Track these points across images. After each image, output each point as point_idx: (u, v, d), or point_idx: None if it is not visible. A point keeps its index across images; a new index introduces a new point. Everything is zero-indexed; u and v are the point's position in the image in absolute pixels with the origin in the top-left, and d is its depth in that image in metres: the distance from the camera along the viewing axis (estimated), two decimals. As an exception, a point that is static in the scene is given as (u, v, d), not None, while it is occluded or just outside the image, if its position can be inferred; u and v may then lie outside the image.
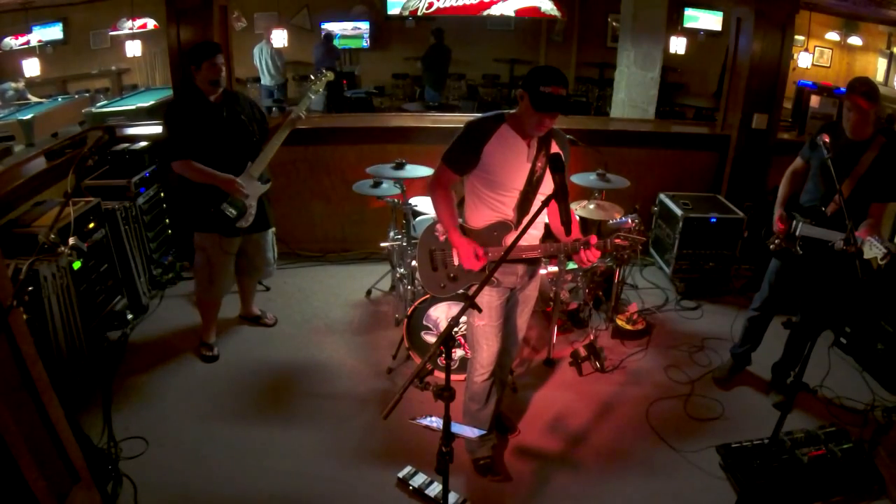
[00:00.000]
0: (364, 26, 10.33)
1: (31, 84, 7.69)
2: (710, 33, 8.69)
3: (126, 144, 4.22)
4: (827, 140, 2.74)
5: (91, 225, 3.51)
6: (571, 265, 3.72)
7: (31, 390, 2.08)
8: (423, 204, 3.94)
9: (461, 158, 2.37)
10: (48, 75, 8.13)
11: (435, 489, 2.62)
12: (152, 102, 7.31)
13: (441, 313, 3.33)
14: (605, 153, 3.92)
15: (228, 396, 3.29)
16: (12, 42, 7.77)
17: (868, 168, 2.76)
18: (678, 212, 4.31)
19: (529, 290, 2.65)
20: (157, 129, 4.53)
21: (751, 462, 2.70)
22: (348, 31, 10.32)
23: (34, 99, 7.43)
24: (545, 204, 2.03)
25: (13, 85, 7.42)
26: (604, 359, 3.57)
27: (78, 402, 3.11)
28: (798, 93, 7.82)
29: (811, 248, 2.95)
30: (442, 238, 2.52)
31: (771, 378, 3.43)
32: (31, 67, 6.82)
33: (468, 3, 8.01)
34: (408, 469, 2.75)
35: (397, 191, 3.69)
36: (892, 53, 8.10)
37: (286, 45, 8.17)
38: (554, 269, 3.57)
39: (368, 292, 4.34)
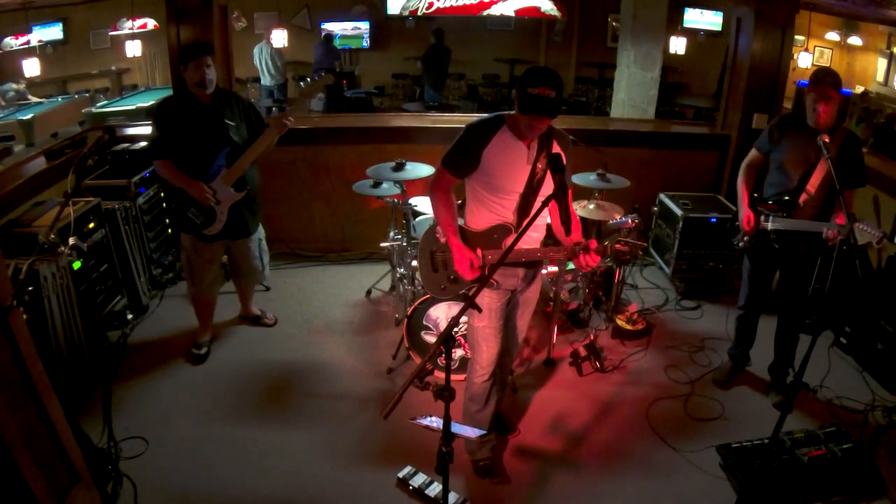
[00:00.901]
0: (364, 26, 10.33)
1: (31, 84, 7.70)
2: (710, 33, 8.70)
3: (126, 144, 4.22)
4: (827, 140, 2.72)
5: (91, 225, 3.51)
6: (571, 265, 3.71)
7: (31, 390, 2.08)
8: (423, 204, 3.94)
9: (460, 161, 2.36)
10: (48, 75, 8.14)
11: (435, 489, 2.62)
12: (152, 102, 7.30)
13: (441, 313, 3.33)
14: (605, 153, 3.92)
15: (228, 396, 3.29)
16: (12, 42, 7.78)
17: (836, 155, 2.74)
18: (678, 212, 4.31)
19: (530, 292, 2.64)
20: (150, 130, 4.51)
21: (751, 462, 2.70)
22: (348, 31, 10.32)
23: (34, 99, 7.44)
24: (545, 204, 2.02)
25: (14, 86, 7.43)
26: (604, 359, 3.57)
27: (78, 402, 3.11)
28: (798, 93, 7.82)
29: (786, 241, 2.95)
30: (443, 240, 2.51)
31: (770, 380, 3.43)
32: (31, 67, 6.82)
33: (468, 3, 8.00)
34: (408, 469, 2.75)
35: (397, 191, 3.69)
36: (892, 53, 8.11)
37: (286, 45, 8.17)
38: (554, 269, 3.57)
39: (368, 292, 4.34)
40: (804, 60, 7.53)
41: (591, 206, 3.78)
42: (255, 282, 3.81)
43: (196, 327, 3.70)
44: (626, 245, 2.32)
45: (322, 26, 10.00)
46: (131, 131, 4.73)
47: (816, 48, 8.74)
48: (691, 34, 8.34)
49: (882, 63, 8.36)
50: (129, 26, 8.19)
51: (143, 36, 8.12)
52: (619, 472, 2.84)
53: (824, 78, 2.77)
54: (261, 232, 3.59)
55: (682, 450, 2.95)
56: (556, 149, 2.35)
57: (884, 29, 8.04)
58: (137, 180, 4.00)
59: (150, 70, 9.41)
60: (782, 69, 4.51)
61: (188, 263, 3.43)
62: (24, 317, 2.15)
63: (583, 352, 3.54)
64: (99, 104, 7.59)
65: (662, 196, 4.62)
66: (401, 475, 2.72)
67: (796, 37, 5.97)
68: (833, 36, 8.80)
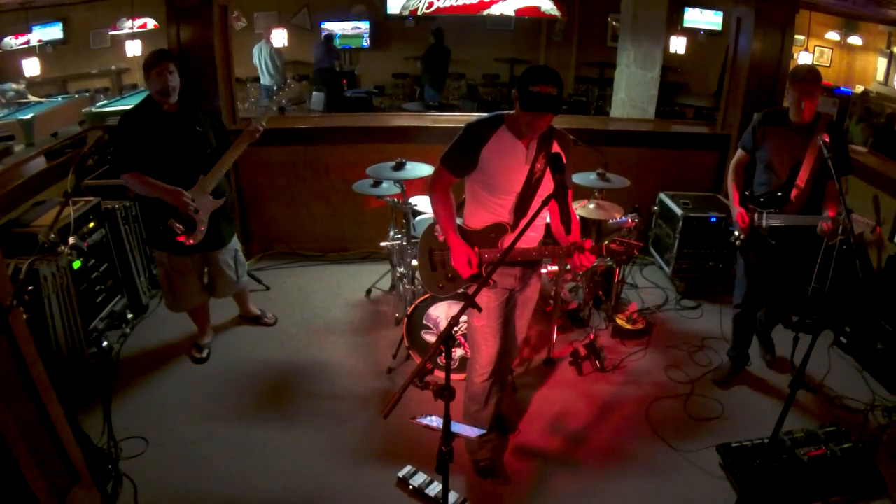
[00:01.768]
0: (364, 26, 10.33)
1: (32, 84, 7.70)
2: (710, 33, 8.69)
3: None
4: (827, 140, 2.77)
5: (91, 225, 3.51)
6: (571, 265, 3.71)
7: (31, 390, 2.08)
8: (423, 203, 3.94)
9: (459, 161, 2.36)
10: (48, 75, 8.13)
11: (435, 489, 2.62)
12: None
13: (441, 313, 3.33)
14: (605, 153, 3.92)
15: (228, 396, 3.29)
16: (12, 42, 7.77)
17: (820, 147, 2.79)
18: (678, 211, 4.31)
19: (529, 291, 2.64)
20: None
21: (751, 462, 2.70)
22: (348, 30, 10.31)
23: (34, 98, 7.43)
24: (545, 203, 2.03)
25: (13, 86, 7.43)
26: (604, 358, 3.57)
27: (78, 402, 3.11)
28: (798, 92, 7.77)
29: (782, 236, 3.01)
30: (441, 238, 2.52)
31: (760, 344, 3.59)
32: (31, 67, 6.82)
33: (468, 2, 7.99)
34: (408, 469, 2.75)
35: (397, 190, 3.69)
36: (892, 53, 8.10)
37: (286, 44, 8.17)
38: (554, 268, 3.57)
39: (368, 292, 4.34)
40: (804, 60, 7.53)
41: (591, 206, 3.78)
42: (227, 294, 3.63)
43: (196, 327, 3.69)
44: (621, 245, 2.32)
45: (322, 26, 9.99)
46: (131, 131, 4.72)
47: (816, 48, 8.73)
48: (691, 34, 8.33)
49: (882, 63, 8.35)
50: (129, 26, 8.18)
51: (143, 36, 8.11)
52: (619, 472, 2.84)
53: (806, 76, 2.84)
54: (236, 242, 3.51)
55: (682, 450, 2.95)
56: (555, 149, 2.34)
57: (884, 29, 8.03)
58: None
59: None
60: (782, 69, 4.51)
61: (166, 279, 3.33)
62: (24, 317, 2.15)
63: (583, 351, 3.54)
64: (99, 104, 7.58)
65: (662, 196, 4.62)
66: (401, 475, 2.72)
67: (796, 36, 5.97)
68: (833, 36, 8.78)
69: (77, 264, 3.26)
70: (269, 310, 4.05)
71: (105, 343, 3.54)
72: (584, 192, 3.98)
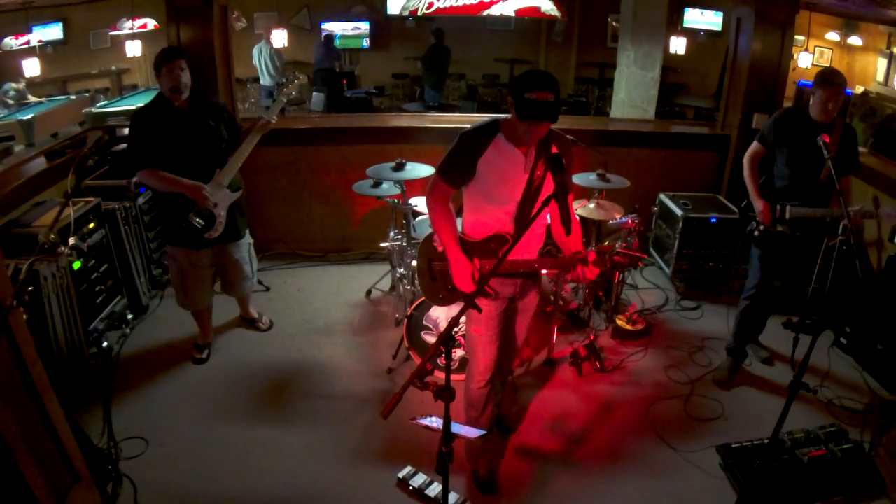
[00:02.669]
0: (364, 26, 10.33)
1: (32, 84, 7.70)
2: (710, 33, 8.69)
3: (126, 144, 4.21)
4: (827, 140, 2.85)
5: (91, 225, 3.51)
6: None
7: (31, 390, 2.08)
8: (423, 204, 3.94)
9: (456, 172, 2.29)
10: (48, 75, 8.13)
11: (435, 489, 2.62)
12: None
13: (441, 313, 3.33)
14: (605, 153, 3.92)
15: (228, 396, 3.29)
16: (12, 42, 7.77)
17: (838, 145, 2.96)
18: (678, 212, 4.31)
19: (528, 299, 2.58)
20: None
21: (751, 462, 2.70)
22: (348, 31, 10.32)
23: (34, 99, 7.44)
24: (545, 204, 2.00)
25: (14, 85, 7.43)
26: (604, 359, 3.57)
27: (78, 402, 3.11)
28: (798, 93, 7.82)
29: (802, 228, 3.12)
30: (440, 248, 2.46)
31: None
32: (31, 67, 6.81)
33: (468, 3, 8.00)
34: (408, 469, 2.75)
35: (397, 191, 3.69)
36: (892, 53, 8.11)
37: (286, 45, 8.17)
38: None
39: (368, 292, 4.34)
40: (804, 60, 7.53)
41: (591, 206, 3.78)
42: (243, 292, 3.68)
43: (196, 327, 3.69)
44: (625, 258, 2.29)
45: (322, 26, 9.99)
46: (131, 131, 4.72)
47: (816, 48, 8.73)
48: (691, 34, 8.33)
49: (882, 63, 8.35)
50: (129, 26, 8.18)
51: (143, 36, 8.11)
52: (619, 472, 2.84)
53: (835, 79, 2.96)
54: (249, 237, 3.55)
55: (682, 450, 2.95)
56: (554, 151, 2.29)
57: (884, 29, 8.03)
58: (137, 180, 3.99)
59: (150, 70, 9.38)
60: (782, 69, 4.51)
61: (180, 276, 3.35)
62: (24, 317, 2.15)
63: (583, 352, 3.54)
64: (99, 104, 7.58)
65: (662, 196, 4.62)
66: (401, 475, 2.72)
67: (796, 37, 5.96)
68: (833, 36, 8.79)
69: (77, 265, 3.26)
70: (269, 310, 4.05)
71: (105, 343, 3.54)
72: (585, 193, 3.99)
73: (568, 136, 2.41)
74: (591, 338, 3.62)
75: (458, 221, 2.48)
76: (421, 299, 3.29)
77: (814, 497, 2.63)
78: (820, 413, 3.19)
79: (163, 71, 3.01)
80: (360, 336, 3.88)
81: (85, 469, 2.32)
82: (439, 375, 1.90)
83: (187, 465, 2.82)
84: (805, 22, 6.98)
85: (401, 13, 8.30)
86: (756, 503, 2.57)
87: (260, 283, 4.36)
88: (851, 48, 8.72)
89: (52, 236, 2.99)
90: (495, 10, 8.07)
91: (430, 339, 3.37)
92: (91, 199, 3.58)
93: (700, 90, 9.36)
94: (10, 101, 7.40)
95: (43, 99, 7.53)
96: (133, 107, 7.32)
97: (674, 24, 7.95)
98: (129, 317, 3.84)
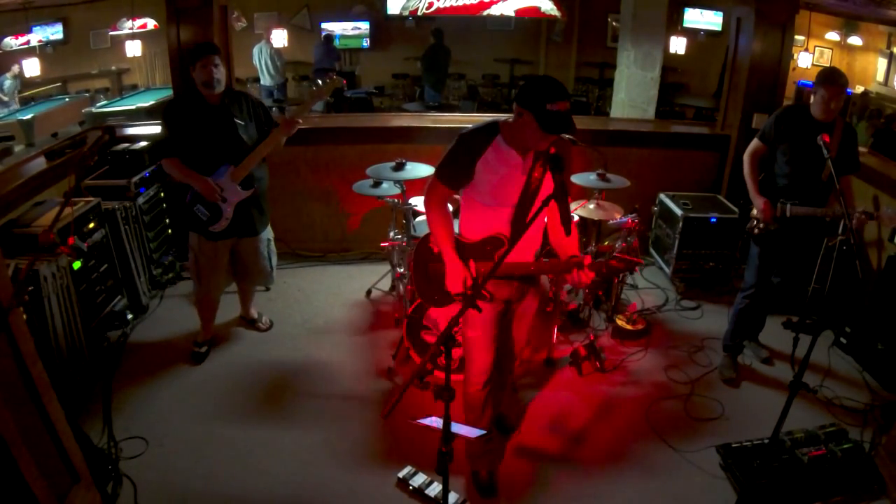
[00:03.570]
0: (364, 26, 10.34)
1: (32, 83, 7.71)
2: (710, 33, 8.70)
3: (126, 144, 4.21)
4: (827, 140, 2.85)
5: (91, 225, 3.51)
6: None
7: (31, 390, 2.08)
8: (423, 204, 3.94)
9: (454, 174, 2.29)
10: (48, 75, 8.14)
11: (435, 489, 2.62)
12: (152, 102, 7.32)
13: (441, 313, 3.33)
14: (605, 153, 3.92)
15: (228, 396, 3.29)
16: (12, 42, 7.78)
17: (838, 145, 2.98)
18: (678, 212, 4.31)
19: (527, 302, 2.55)
20: (157, 129, 4.52)
21: (751, 462, 2.70)
22: (348, 31, 10.32)
23: (30, 93, 7.45)
24: (545, 203, 2.00)
25: (8, 75, 7.42)
26: (604, 359, 3.57)
27: (78, 402, 3.11)
28: (798, 93, 7.82)
29: (801, 226, 3.11)
30: (437, 250, 2.45)
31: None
32: (31, 67, 6.82)
33: (468, 3, 8.01)
34: (408, 469, 2.75)
35: (397, 191, 3.69)
36: (892, 53, 8.11)
37: (286, 45, 8.17)
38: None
39: (368, 292, 4.34)
40: (804, 60, 7.53)
41: (591, 206, 3.78)
42: (261, 283, 3.80)
43: (197, 327, 3.69)
44: (621, 262, 2.26)
45: (322, 26, 10.00)
46: (131, 131, 4.73)
47: (816, 48, 8.74)
48: (691, 34, 8.34)
49: (882, 63, 8.36)
50: (129, 26, 8.19)
51: (143, 36, 8.13)
52: (619, 472, 2.84)
53: (838, 79, 2.96)
54: (269, 233, 3.59)
55: (682, 450, 2.95)
56: (552, 151, 2.29)
57: (884, 29, 8.04)
58: (137, 180, 4.00)
59: (150, 70, 9.41)
60: (782, 69, 4.51)
61: (195, 263, 3.43)
62: (24, 317, 2.15)
63: (583, 352, 3.54)
64: (99, 104, 7.59)
65: (662, 196, 4.62)
66: (401, 475, 2.72)
67: (796, 37, 5.97)
68: (833, 36, 8.80)
69: (77, 265, 3.26)
70: (269, 310, 4.05)
71: (106, 343, 3.54)
72: (585, 193, 3.98)
73: (567, 137, 2.40)
74: (591, 338, 3.62)
75: (455, 223, 2.47)
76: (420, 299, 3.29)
77: (814, 497, 2.63)
78: (820, 413, 3.19)
79: (196, 65, 3.06)
80: (360, 336, 3.88)
81: (85, 469, 2.32)
82: (439, 375, 1.90)
83: (187, 465, 2.82)
84: (805, 22, 6.99)
85: (401, 13, 8.31)
86: (756, 503, 2.57)
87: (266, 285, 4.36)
88: (851, 48, 8.73)
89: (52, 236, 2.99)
90: (495, 10, 8.08)
91: (430, 338, 3.37)
92: (91, 199, 3.58)
93: (700, 90, 9.37)
94: (5, 97, 7.40)
95: (38, 91, 7.55)
96: (133, 106, 7.36)
97: (674, 24, 7.96)
98: (129, 317, 3.84)
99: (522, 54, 10.60)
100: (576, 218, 3.63)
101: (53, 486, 2.12)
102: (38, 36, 8.11)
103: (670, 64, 8.29)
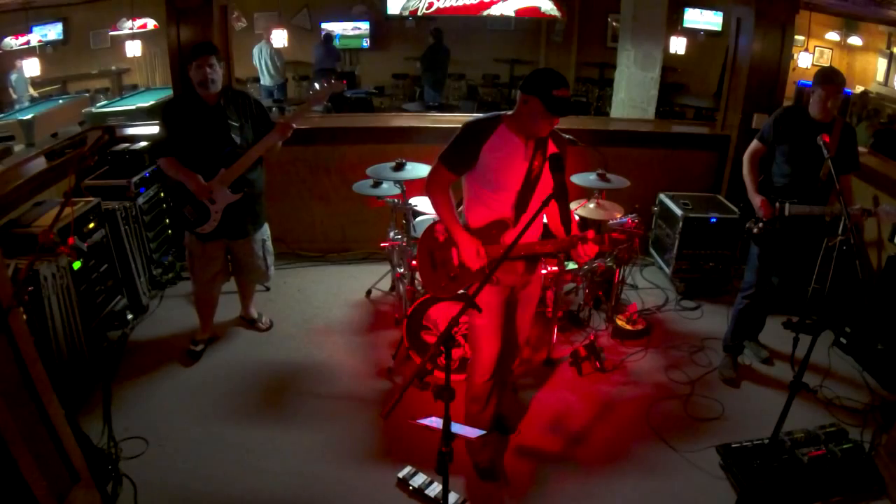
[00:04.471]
0: (364, 26, 10.33)
1: (33, 83, 7.71)
2: (710, 33, 8.70)
3: (126, 144, 4.22)
4: (827, 140, 2.86)
5: (91, 225, 3.51)
6: (571, 265, 3.72)
7: (31, 390, 2.08)
8: (423, 204, 3.94)
9: (459, 159, 2.37)
10: (48, 75, 8.14)
11: (435, 489, 2.62)
12: (152, 102, 7.32)
13: (441, 313, 3.33)
14: (605, 153, 3.92)
15: (228, 396, 3.29)
16: (12, 42, 7.78)
17: (837, 144, 2.99)
18: (678, 212, 4.31)
19: (530, 289, 2.64)
20: (157, 129, 4.53)
21: (751, 462, 2.70)
22: (348, 31, 10.32)
23: (34, 93, 7.45)
24: (545, 203, 2.04)
25: (14, 70, 7.43)
26: (604, 359, 3.57)
27: (78, 402, 3.11)
28: (798, 93, 7.82)
29: (799, 225, 3.12)
30: (442, 238, 2.51)
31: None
32: (31, 67, 6.83)
33: (468, 3, 8.00)
34: (408, 469, 2.75)
35: (397, 191, 3.69)
36: (892, 53, 8.11)
37: (286, 45, 8.17)
38: (553, 269, 3.57)
39: (368, 292, 4.34)
40: (804, 60, 7.53)
41: (591, 206, 3.78)
42: (257, 281, 3.82)
43: (196, 326, 3.70)
44: (623, 234, 2.37)
45: (322, 26, 9.99)
46: (131, 131, 4.73)
47: (816, 48, 8.73)
48: (691, 34, 8.34)
49: (882, 63, 8.36)
50: (129, 26, 8.19)
51: (143, 36, 8.12)
52: (619, 472, 2.84)
53: (836, 79, 2.98)
54: (265, 232, 3.59)
55: (682, 450, 2.95)
56: (552, 149, 2.37)
57: (884, 29, 8.04)
58: (137, 180, 4.00)
59: (150, 70, 9.42)
60: (782, 69, 4.51)
61: (189, 260, 3.47)
62: (24, 317, 2.15)
63: (583, 352, 3.54)
64: (99, 104, 7.59)
65: (662, 196, 4.62)
66: (401, 475, 2.72)
67: (796, 37, 5.96)
68: (833, 36, 8.80)
69: (77, 265, 3.26)
70: (269, 310, 4.05)
71: (105, 343, 3.54)
72: (584, 193, 3.99)
73: (567, 136, 2.46)
74: (591, 338, 3.62)
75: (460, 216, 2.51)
76: (421, 299, 3.29)
77: (814, 497, 2.63)
78: (820, 413, 3.19)
79: (192, 65, 3.07)
80: (360, 336, 3.88)
81: (85, 469, 2.32)
82: (439, 375, 1.90)
83: (187, 465, 2.82)
84: (805, 22, 6.99)
85: (401, 13, 8.31)
86: (756, 503, 2.57)
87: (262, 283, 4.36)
88: (851, 48, 8.73)
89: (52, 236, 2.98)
90: (495, 10, 8.07)
91: (430, 339, 3.37)
92: (91, 199, 3.58)
93: (700, 90, 9.36)
94: (14, 94, 7.41)
95: (50, 89, 7.57)
96: (133, 106, 7.36)
97: (674, 24, 7.96)
98: (129, 317, 3.84)
99: (522, 54, 10.60)
100: (576, 218, 3.63)
101: (53, 486, 2.12)
102: (38, 36, 8.11)
103: (670, 64, 8.29)
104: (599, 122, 6.39)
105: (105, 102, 7.77)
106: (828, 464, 2.68)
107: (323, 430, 3.05)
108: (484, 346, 2.57)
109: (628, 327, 3.85)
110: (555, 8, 8.20)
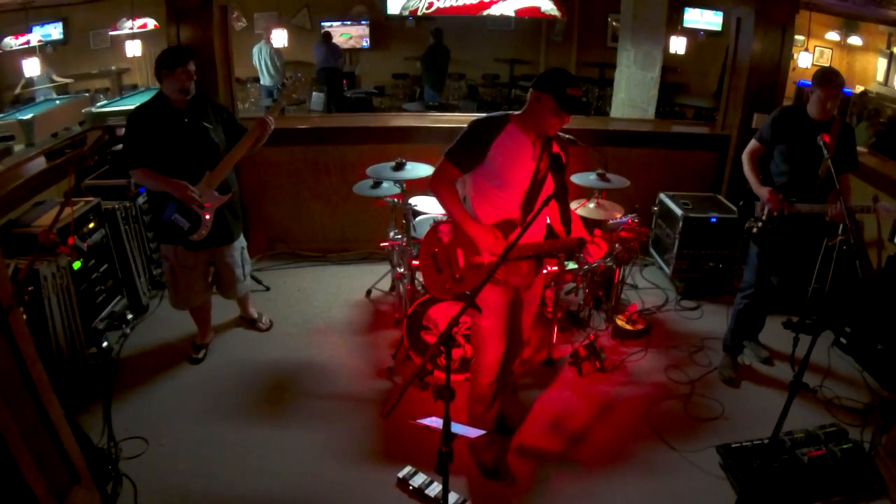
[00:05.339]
0: (363, 30, 10.34)
1: (31, 84, 7.71)
2: (710, 33, 8.69)
3: (122, 143, 4.21)
4: (827, 140, 2.87)
5: (91, 225, 3.51)
6: (571, 265, 3.71)
7: (31, 390, 2.08)
8: (424, 204, 3.94)
9: (467, 156, 2.35)
10: (48, 75, 8.13)
11: (435, 489, 2.62)
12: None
13: (441, 313, 3.33)
14: (605, 153, 3.92)
15: (228, 396, 3.29)
16: (12, 42, 7.77)
17: (835, 143, 3.00)
18: (678, 212, 4.31)
19: (533, 289, 2.64)
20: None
21: (751, 462, 2.70)
22: (349, 31, 10.32)
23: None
24: (545, 203, 2.04)
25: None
26: (604, 359, 3.57)
27: (78, 402, 3.11)
28: (798, 93, 7.81)
29: (800, 226, 3.12)
30: (446, 240, 2.49)
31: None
32: (31, 67, 6.81)
33: (468, 3, 7.99)
34: (408, 469, 2.75)
35: (397, 191, 3.69)
36: (892, 53, 8.11)
37: (286, 45, 8.17)
38: (554, 269, 3.57)
39: (368, 292, 4.34)
40: (804, 60, 7.52)
41: (591, 206, 3.78)
42: (236, 294, 3.65)
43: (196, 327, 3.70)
44: (630, 232, 2.43)
45: (322, 26, 9.99)
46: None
47: (816, 48, 8.73)
48: (691, 34, 8.32)
49: (882, 63, 8.35)
50: (129, 26, 8.18)
51: (143, 36, 8.11)
52: (619, 472, 2.84)
53: (834, 78, 2.99)
54: (242, 241, 3.53)
55: (682, 450, 2.95)
56: (555, 149, 2.38)
57: (884, 29, 8.03)
58: (135, 180, 3.99)
59: (151, 70, 9.38)
60: (782, 69, 4.51)
61: (171, 275, 3.34)
62: (24, 317, 2.15)
63: (583, 352, 3.54)
64: (99, 104, 7.58)
65: (662, 196, 4.62)
66: (401, 475, 2.72)
67: (796, 37, 5.96)
68: (833, 36, 8.79)
69: (77, 265, 3.26)
70: (269, 310, 4.05)
71: (105, 343, 3.54)
72: (584, 193, 3.99)
73: (567, 136, 2.46)
74: (591, 338, 3.62)
75: None
76: (420, 299, 3.29)
77: (814, 497, 2.63)
78: (820, 413, 3.19)
79: (177, 71, 2.96)
80: (360, 336, 3.88)
81: (85, 469, 2.32)
82: (439, 375, 1.90)
83: (187, 465, 2.82)
84: (805, 22, 6.98)
85: (401, 13, 8.29)
86: (756, 503, 2.57)
87: (260, 282, 4.36)
88: (851, 48, 8.72)
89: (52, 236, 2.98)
90: (495, 10, 8.06)
91: (431, 339, 3.37)
92: (91, 198, 3.58)
93: (700, 90, 9.36)
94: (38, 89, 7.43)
95: (68, 80, 7.59)
96: (133, 106, 7.34)
97: (674, 23, 7.94)
98: (129, 317, 3.84)
99: (522, 54, 10.59)
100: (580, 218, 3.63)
101: (53, 486, 2.12)
102: (38, 36, 8.10)
103: (670, 64, 8.28)
104: (599, 122, 6.38)
105: (105, 102, 7.75)
106: (828, 464, 2.68)
107: (323, 430, 3.06)
108: (490, 348, 2.56)
109: (628, 327, 3.85)
110: (555, 8, 8.19)
